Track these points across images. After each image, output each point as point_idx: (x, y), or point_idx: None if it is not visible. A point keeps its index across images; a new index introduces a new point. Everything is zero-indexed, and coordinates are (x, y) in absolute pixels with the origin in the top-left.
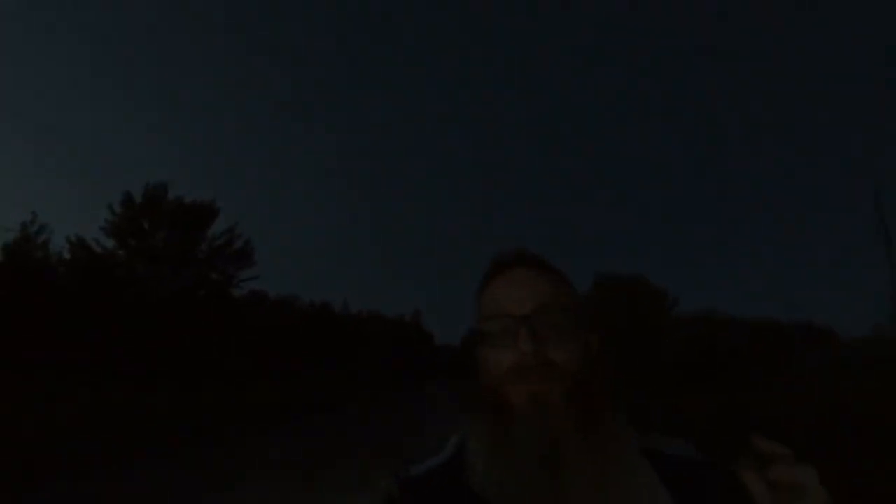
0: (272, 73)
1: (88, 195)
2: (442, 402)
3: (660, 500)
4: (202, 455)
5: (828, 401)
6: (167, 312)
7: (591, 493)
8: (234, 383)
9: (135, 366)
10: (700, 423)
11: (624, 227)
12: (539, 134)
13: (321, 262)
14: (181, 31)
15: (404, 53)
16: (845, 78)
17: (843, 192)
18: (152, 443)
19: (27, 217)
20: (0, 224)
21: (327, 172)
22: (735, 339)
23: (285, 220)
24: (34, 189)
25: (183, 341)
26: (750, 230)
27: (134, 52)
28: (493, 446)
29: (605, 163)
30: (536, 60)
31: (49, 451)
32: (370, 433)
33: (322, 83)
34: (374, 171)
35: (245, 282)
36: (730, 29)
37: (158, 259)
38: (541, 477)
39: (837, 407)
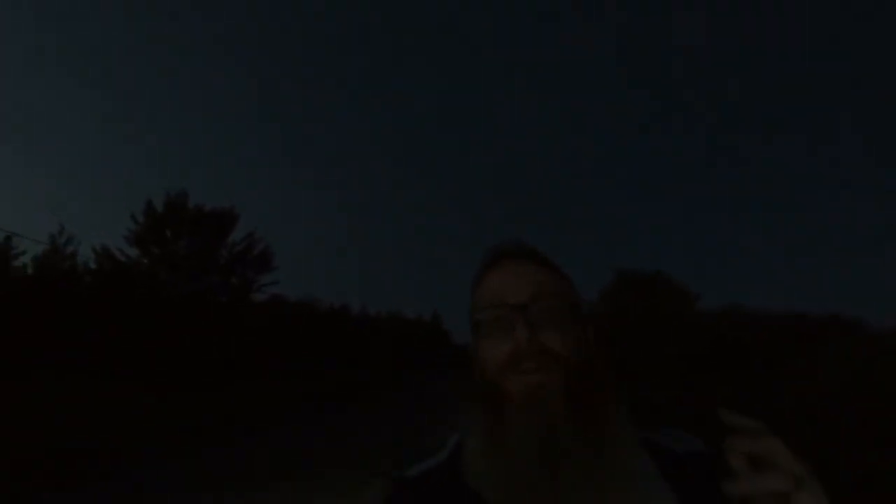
0: (288, 77)
1: (109, 205)
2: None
3: (660, 494)
4: (227, 452)
5: (846, 390)
6: (188, 316)
7: (589, 488)
8: (255, 382)
9: (159, 368)
10: (704, 413)
11: (651, 225)
12: (563, 133)
13: (342, 266)
14: (197, 42)
15: (417, 54)
16: (864, 69)
17: (870, 182)
18: (176, 442)
19: (55, 229)
20: (29, 237)
21: (349, 174)
22: (756, 333)
23: (304, 223)
24: (60, 200)
25: (205, 344)
26: (777, 226)
27: (152, 63)
28: (490, 441)
29: (632, 161)
30: (555, 60)
31: (84, 447)
32: (380, 428)
33: (338, 86)
34: (397, 172)
35: (266, 286)
36: (763, 22)
37: (180, 266)
38: (538, 471)
39: (854, 396)
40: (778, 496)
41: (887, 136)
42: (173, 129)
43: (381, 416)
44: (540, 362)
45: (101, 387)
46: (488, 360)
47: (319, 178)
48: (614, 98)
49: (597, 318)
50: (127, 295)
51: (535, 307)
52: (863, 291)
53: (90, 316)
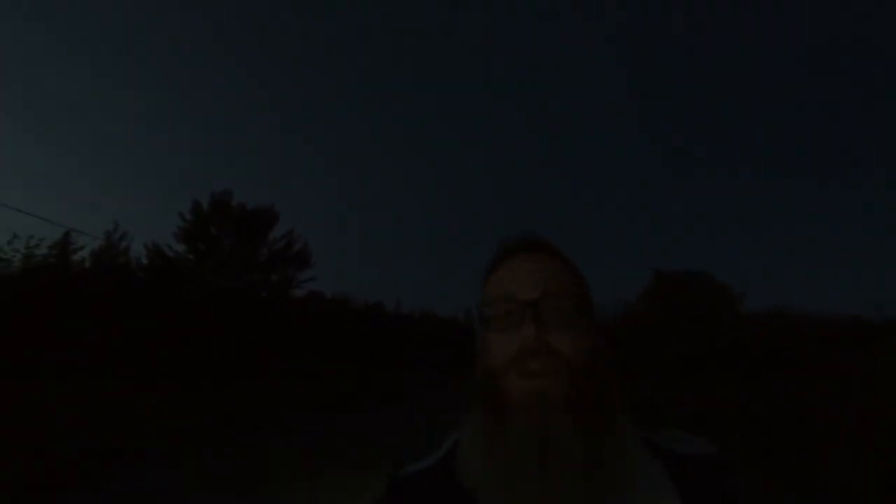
0: (320, 77)
1: (158, 203)
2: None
3: (663, 497)
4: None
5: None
6: (230, 312)
7: (587, 491)
8: (289, 379)
9: (203, 363)
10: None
11: (708, 225)
12: (601, 131)
13: (379, 263)
14: (234, 47)
15: (446, 51)
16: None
17: None
18: (218, 435)
19: (110, 226)
20: (86, 233)
21: (387, 172)
22: (803, 334)
23: (343, 220)
24: (115, 198)
25: (245, 340)
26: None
27: (188, 67)
28: (487, 441)
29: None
30: (595, 58)
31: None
32: (403, 423)
33: (371, 84)
34: (438, 170)
35: (304, 283)
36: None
37: (225, 263)
38: (534, 473)
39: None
40: None
41: None
42: (217, 126)
43: (420, 416)
44: (545, 363)
45: (154, 381)
46: (493, 356)
47: (355, 175)
48: (649, 96)
49: (610, 320)
50: (176, 291)
51: (546, 304)
52: None
53: (141, 311)
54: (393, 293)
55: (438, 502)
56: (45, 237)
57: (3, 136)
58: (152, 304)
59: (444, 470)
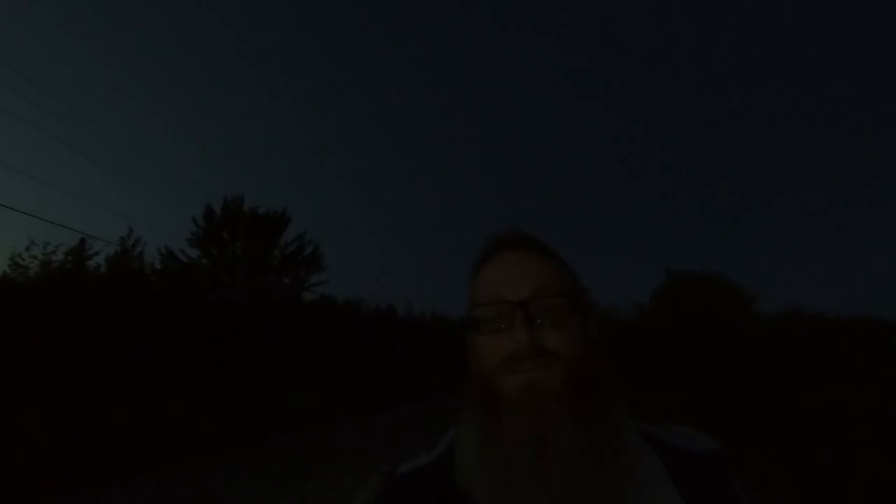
0: (332, 82)
1: (171, 208)
2: None
3: (662, 493)
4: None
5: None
6: (243, 315)
7: (584, 488)
8: (303, 382)
9: (213, 365)
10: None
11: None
12: (619, 134)
13: (391, 266)
14: (245, 52)
15: (455, 54)
16: None
17: None
18: (228, 436)
19: (124, 232)
20: (102, 239)
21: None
22: (818, 336)
23: (356, 222)
24: (129, 204)
25: (257, 343)
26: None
27: (200, 71)
28: (482, 439)
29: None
30: (609, 56)
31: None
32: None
33: (385, 87)
34: (444, 173)
35: (316, 286)
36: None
37: (237, 266)
38: (529, 471)
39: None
40: None
41: None
42: (227, 129)
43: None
44: (539, 362)
45: (168, 383)
46: (486, 358)
47: (365, 178)
48: (667, 96)
49: (600, 311)
50: (189, 294)
51: (536, 304)
52: None
53: (157, 315)
54: (404, 296)
55: (433, 500)
56: (62, 242)
57: (20, 144)
58: (168, 310)
59: (439, 468)
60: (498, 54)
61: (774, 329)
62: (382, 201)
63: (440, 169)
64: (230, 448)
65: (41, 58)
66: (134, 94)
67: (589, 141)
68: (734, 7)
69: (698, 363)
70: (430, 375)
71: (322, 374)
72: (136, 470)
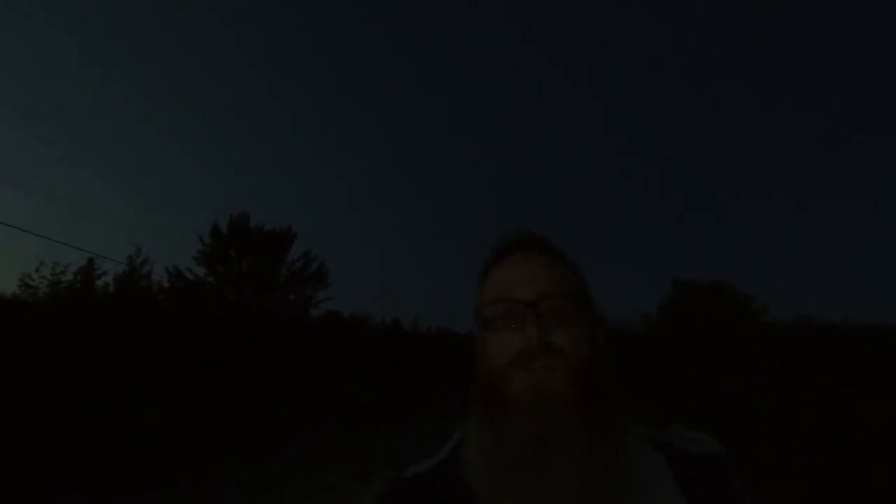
0: (338, 99)
1: (176, 227)
2: None
3: (667, 495)
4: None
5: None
6: (251, 332)
7: (589, 489)
8: (310, 395)
9: (222, 379)
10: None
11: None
12: (629, 139)
13: (396, 281)
14: (250, 69)
15: (458, 64)
16: None
17: None
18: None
19: (132, 251)
20: (109, 258)
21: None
22: (829, 346)
23: (361, 237)
24: (136, 223)
25: (264, 359)
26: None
27: (206, 89)
28: (489, 441)
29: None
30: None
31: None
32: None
33: (390, 105)
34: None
35: (321, 302)
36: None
37: (244, 284)
38: (535, 471)
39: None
40: None
41: None
42: (230, 145)
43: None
44: (547, 362)
45: (174, 396)
46: (493, 357)
47: (372, 195)
48: (675, 101)
49: (606, 316)
50: (197, 312)
51: (546, 304)
52: None
53: (164, 333)
54: (410, 310)
55: (439, 503)
56: (70, 262)
57: (29, 160)
58: (176, 329)
59: (446, 471)
60: (505, 63)
61: (784, 337)
62: (387, 215)
63: (446, 184)
64: (241, 456)
65: (49, 78)
66: (143, 118)
67: (592, 154)
68: (753, 14)
69: (706, 374)
70: (436, 386)
71: (330, 383)
72: (148, 480)
